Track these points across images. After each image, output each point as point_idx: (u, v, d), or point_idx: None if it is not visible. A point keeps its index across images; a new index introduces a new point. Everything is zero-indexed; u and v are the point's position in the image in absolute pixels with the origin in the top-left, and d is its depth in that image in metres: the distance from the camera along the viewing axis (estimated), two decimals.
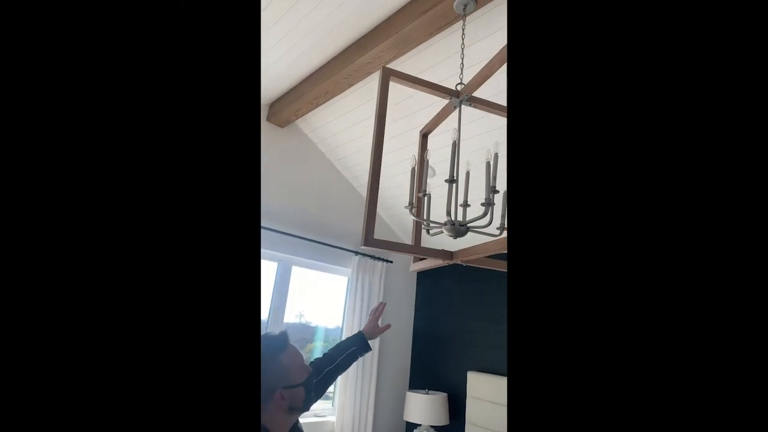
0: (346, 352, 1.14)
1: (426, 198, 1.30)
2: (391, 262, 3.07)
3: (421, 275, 3.36)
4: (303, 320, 2.88)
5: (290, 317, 2.84)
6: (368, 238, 1.09)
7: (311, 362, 1.10)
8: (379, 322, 1.24)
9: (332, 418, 2.56)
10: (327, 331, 2.93)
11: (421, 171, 1.30)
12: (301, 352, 0.89)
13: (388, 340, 2.99)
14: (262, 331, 0.89)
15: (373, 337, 1.21)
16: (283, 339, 0.87)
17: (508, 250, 0.47)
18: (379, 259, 2.97)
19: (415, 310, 3.30)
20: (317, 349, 2.87)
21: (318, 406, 2.67)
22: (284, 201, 2.57)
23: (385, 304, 1.31)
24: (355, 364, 2.59)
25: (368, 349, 1.19)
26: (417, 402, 2.66)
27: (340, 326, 2.88)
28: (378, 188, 1.12)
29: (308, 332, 2.87)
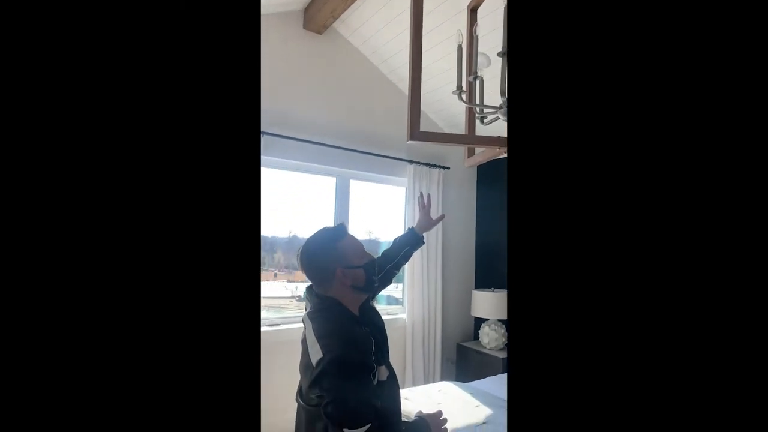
0: (402, 251, 1.22)
1: (477, 82, 1.16)
2: (448, 168, 2.98)
3: (481, 177, 3.24)
4: (372, 237, 3.01)
5: (358, 234, 2.95)
6: (414, 132, 1.02)
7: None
8: (432, 216, 1.26)
9: (403, 316, 2.77)
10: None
11: (470, 49, 1.15)
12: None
13: (451, 245, 3.03)
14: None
15: (426, 230, 1.26)
16: (340, 229, 0.93)
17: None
18: (434, 166, 2.89)
19: (477, 214, 3.25)
20: None
21: (389, 306, 2.89)
22: (333, 113, 2.52)
23: (429, 195, 1.34)
24: (420, 268, 2.74)
25: (421, 243, 1.26)
26: (483, 299, 2.75)
27: None
28: (420, 74, 1.01)
29: (376, 247, 3.00)
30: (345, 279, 0.88)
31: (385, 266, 1.18)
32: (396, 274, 1.22)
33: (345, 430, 0.71)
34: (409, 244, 1.22)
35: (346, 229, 0.94)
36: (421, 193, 1.33)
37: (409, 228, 1.26)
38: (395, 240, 1.24)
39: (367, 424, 0.71)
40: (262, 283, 2.52)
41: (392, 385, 0.87)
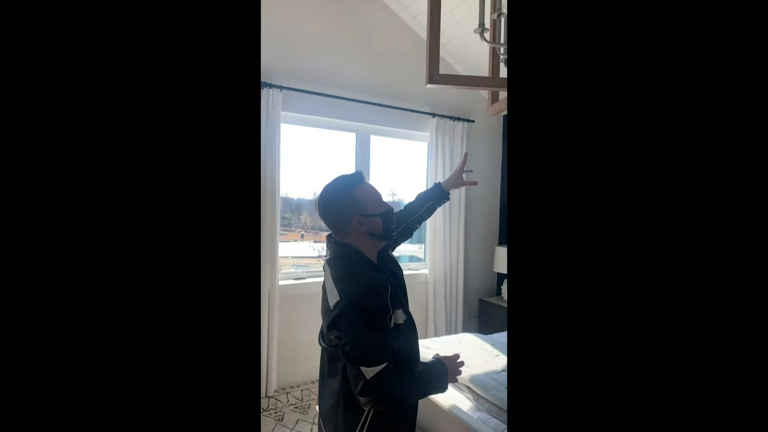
0: (425, 205, 1.20)
1: (502, 19, 1.08)
2: (473, 121, 2.87)
3: (507, 131, 3.12)
4: (395, 198, 2.98)
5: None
6: (432, 74, 0.97)
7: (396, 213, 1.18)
8: (464, 177, 1.23)
9: (425, 272, 2.80)
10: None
11: None
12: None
13: (474, 201, 2.99)
14: None
15: (453, 188, 1.23)
16: (357, 176, 0.92)
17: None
18: (458, 119, 2.79)
19: (502, 168, 3.16)
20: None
21: (411, 263, 2.92)
22: (353, 66, 2.44)
23: (467, 153, 1.29)
24: (442, 224, 2.73)
25: (446, 199, 1.23)
26: (507, 255, 2.74)
27: None
28: (440, 11, 0.94)
29: (398, 208, 2.96)
30: (361, 227, 0.89)
31: (407, 218, 1.17)
32: (417, 227, 1.21)
33: (362, 368, 0.74)
34: (433, 198, 1.20)
35: (363, 176, 0.93)
36: (466, 152, 1.30)
37: (435, 183, 1.24)
38: (419, 194, 1.23)
39: (383, 363, 0.74)
40: (289, 243, 2.60)
41: (409, 329, 0.89)
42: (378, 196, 0.92)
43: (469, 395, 1.49)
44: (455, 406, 1.43)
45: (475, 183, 1.27)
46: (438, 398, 1.47)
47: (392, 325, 0.82)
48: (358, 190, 0.90)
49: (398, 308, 0.85)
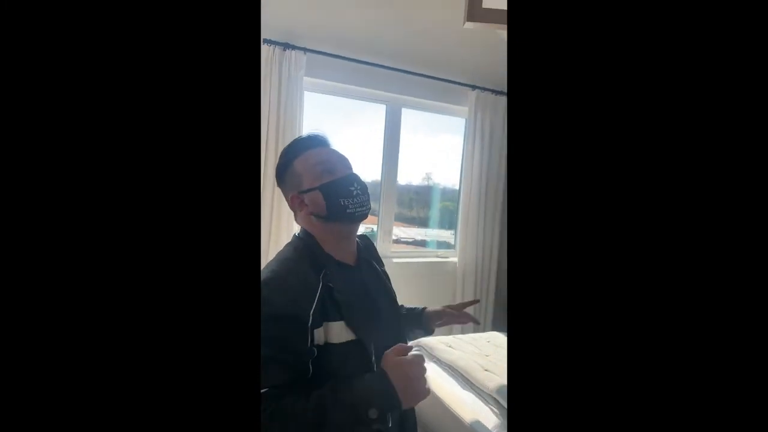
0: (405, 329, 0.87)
1: None
2: None
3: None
4: (430, 182, 2.76)
5: (412, 177, 2.68)
6: (474, 8, 0.74)
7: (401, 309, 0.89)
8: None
9: (454, 259, 2.58)
10: (444, 191, 2.79)
11: None
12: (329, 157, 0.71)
13: None
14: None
15: (437, 325, 0.88)
16: (302, 142, 0.73)
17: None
18: (501, 93, 2.49)
19: None
20: (433, 218, 2.81)
21: (439, 250, 2.71)
22: (381, 28, 2.19)
23: (478, 301, 0.95)
24: (476, 208, 2.47)
25: (424, 333, 0.90)
26: None
27: (458, 180, 2.65)
28: None
29: (428, 193, 2.76)
30: (301, 208, 0.71)
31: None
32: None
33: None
34: (407, 325, 0.87)
35: (312, 140, 0.72)
36: (478, 300, 0.97)
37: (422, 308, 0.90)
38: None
39: (265, 386, 0.54)
40: None
41: (353, 354, 0.62)
42: (322, 163, 0.69)
43: (495, 409, 1.28)
44: (478, 422, 1.23)
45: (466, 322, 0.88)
46: (459, 411, 1.28)
47: (318, 342, 0.60)
48: (299, 160, 0.70)
49: (337, 320, 0.62)
